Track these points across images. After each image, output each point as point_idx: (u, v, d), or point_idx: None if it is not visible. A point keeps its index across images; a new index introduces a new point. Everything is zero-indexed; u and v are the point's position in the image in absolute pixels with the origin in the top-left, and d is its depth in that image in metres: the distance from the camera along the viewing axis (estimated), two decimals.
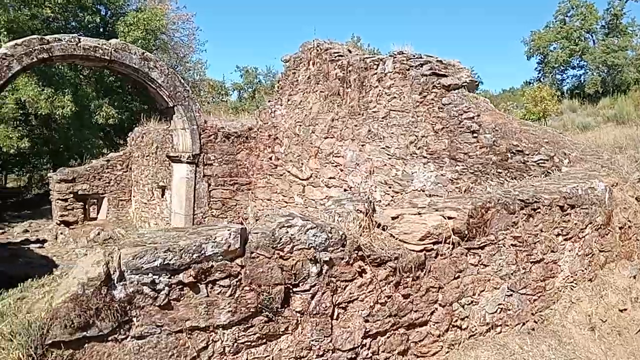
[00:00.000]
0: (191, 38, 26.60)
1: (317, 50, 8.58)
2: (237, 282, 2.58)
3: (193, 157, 9.63)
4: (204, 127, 9.76)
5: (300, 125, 8.81)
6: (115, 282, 2.27)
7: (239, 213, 10.41)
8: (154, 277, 2.31)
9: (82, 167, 15.07)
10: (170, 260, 2.34)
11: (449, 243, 3.25)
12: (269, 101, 9.93)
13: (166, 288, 2.35)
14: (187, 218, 9.81)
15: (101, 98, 20.14)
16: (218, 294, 2.52)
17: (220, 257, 2.48)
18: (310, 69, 8.68)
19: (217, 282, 2.53)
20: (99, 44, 8.42)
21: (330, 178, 8.10)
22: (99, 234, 14.36)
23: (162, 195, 13.31)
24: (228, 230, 2.53)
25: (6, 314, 2.37)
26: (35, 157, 22.95)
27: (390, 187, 7.10)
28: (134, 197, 15.44)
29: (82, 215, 15.02)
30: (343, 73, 7.93)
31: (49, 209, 16.05)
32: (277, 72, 34.59)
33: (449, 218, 3.27)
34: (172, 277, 2.37)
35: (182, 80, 9.57)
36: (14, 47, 7.64)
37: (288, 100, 9.21)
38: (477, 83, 6.63)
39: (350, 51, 8.38)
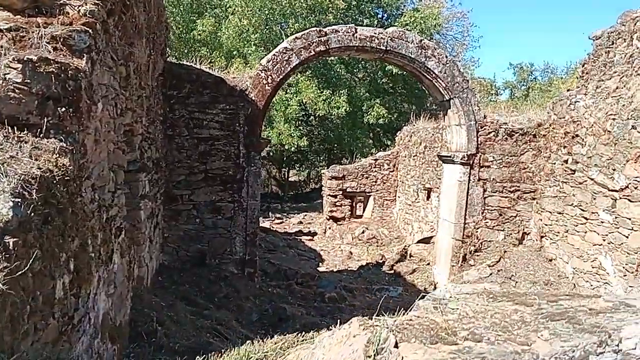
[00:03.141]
0: (465, 35, 25.36)
1: None
2: None
3: (468, 157, 8.40)
4: (482, 123, 8.43)
5: (613, 119, 6.72)
6: None
7: (519, 226, 8.75)
8: None
9: (352, 165, 15.35)
10: None
11: None
12: (568, 90, 8.00)
13: None
14: (456, 227, 8.63)
15: (373, 99, 20.56)
16: None
17: None
18: (635, 44, 6.52)
19: None
20: (375, 33, 7.92)
21: None
22: (363, 232, 14.40)
23: (428, 197, 12.48)
24: None
25: None
26: (313, 154, 24.99)
27: None
28: (398, 197, 15.07)
29: (349, 212, 15.32)
30: None
31: (321, 204, 16.94)
32: (556, 67, 30.63)
33: None
34: None
35: (462, 70, 8.43)
36: (294, 41, 7.67)
37: (596, 87, 7.18)
38: None
39: None
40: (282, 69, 7.73)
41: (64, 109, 3.05)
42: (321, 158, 26.06)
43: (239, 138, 7.78)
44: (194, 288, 7.05)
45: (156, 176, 7.01)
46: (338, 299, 8.10)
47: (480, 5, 53.21)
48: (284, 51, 7.72)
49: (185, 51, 17.60)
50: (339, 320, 3.04)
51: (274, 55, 7.75)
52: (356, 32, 7.85)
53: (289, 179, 29.20)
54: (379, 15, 21.87)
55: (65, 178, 2.85)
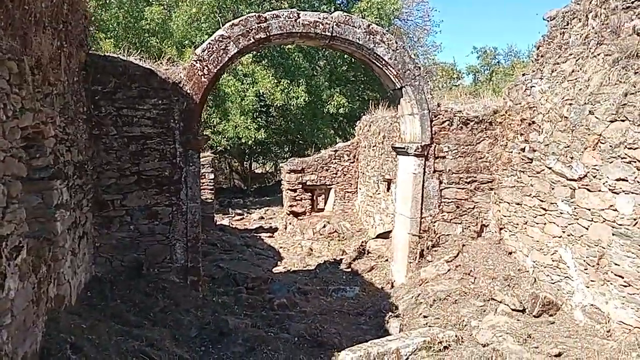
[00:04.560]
0: (425, 20, 25.02)
1: None
2: None
3: (422, 148, 7.95)
4: (436, 112, 7.97)
5: (570, 105, 6.34)
6: None
7: (477, 218, 8.37)
8: None
9: (311, 157, 14.82)
10: None
11: None
12: (523, 74, 7.60)
13: None
14: (412, 222, 8.19)
15: (333, 88, 20.03)
16: None
17: None
18: (590, 24, 6.13)
19: None
20: (319, 18, 7.34)
21: (618, 180, 5.52)
22: (324, 226, 13.91)
23: (388, 189, 12.06)
24: None
25: None
26: (275, 146, 24.34)
27: None
28: (359, 189, 14.62)
29: (310, 206, 14.82)
30: None
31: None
32: (519, 51, 30.63)
33: None
34: None
35: (413, 57, 7.94)
36: (231, 28, 7.03)
37: (552, 71, 6.78)
38: None
39: None
40: (219, 58, 7.09)
41: None
42: (286, 150, 25.44)
43: (175, 135, 7.14)
44: (127, 303, 6.41)
45: (80, 181, 6.31)
46: (288, 306, 7.58)
47: None
48: (221, 39, 7.08)
49: (135, 42, 16.64)
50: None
51: (210, 44, 7.11)
52: (299, 17, 7.26)
53: (255, 171, 28.50)
54: (338, 2, 21.27)
55: None
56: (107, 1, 15.31)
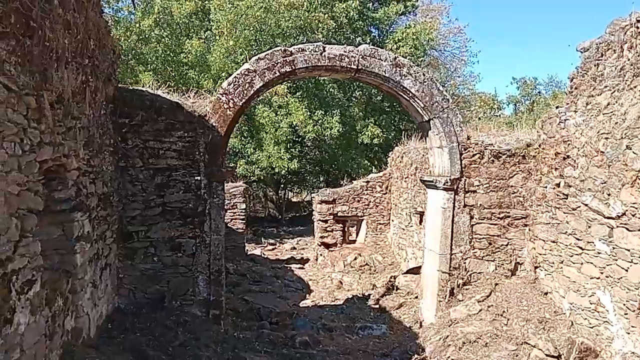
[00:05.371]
0: (462, 51, 24.83)
1: (638, 28, 5.72)
2: None
3: (451, 182, 7.69)
4: (466, 145, 7.73)
5: (606, 139, 6.01)
6: None
7: (511, 256, 7.98)
8: None
9: (342, 188, 14.69)
10: None
11: None
12: (557, 107, 7.30)
13: None
14: (442, 258, 7.88)
15: (367, 118, 19.97)
16: None
17: None
18: (625, 56, 5.83)
19: None
20: (345, 52, 7.31)
21: None
22: (355, 258, 13.64)
23: (420, 222, 11.75)
24: None
25: None
26: (311, 175, 24.35)
27: None
28: (392, 221, 14.33)
29: (341, 238, 14.60)
30: None
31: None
32: (561, 81, 29.90)
33: None
34: None
35: (441, 89, 7.78)
36: (257, 62, 7.08)
37: (587, 104, 6.48)
38: None
39: None
40: (245, 92, 7.13)
41: None
42: (321, 179, 25.42)
43: (200, 168, 7.17)
44: (147, 336, 6.35)
45: (104, 212, 6.38)
46: (311, 344, 7.35)
47: (478, 20, 52.89)
48: (247, 73, 7.14)
49: (174, 75, 17.13)
50: None
51: (236, 77, 7.18)
52: (324, 50, 7.25)
53: (291, 200, 28.53)
54: (372, 34, 21.38)
55: None
56: (147, 35, 15.85)
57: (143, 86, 8.65)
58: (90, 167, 5.83)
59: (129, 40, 15.03)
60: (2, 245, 3.38)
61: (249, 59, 7.37)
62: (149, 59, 15.78)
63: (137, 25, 15.76)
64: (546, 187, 7.45)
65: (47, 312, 4.41)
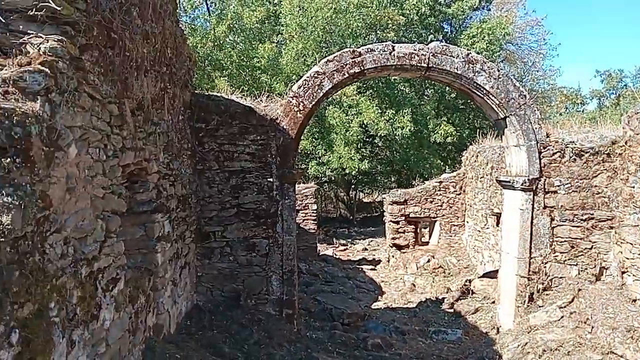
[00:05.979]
0: (541, 44, 23.63)
1: None
2: None
3: (530, 182, 7.34)
4: (545, 143, 7.35)
5: None
6: None
7: (595, 260, 7.49)
8: None
9: (414, 189, 14.45)
10: None
11: None
12: None
13: None
14: (520, 262, 7.54)
15: (440, 116, 19.51)
16: None
17: None
18: None
19: None
20: (415, 50, 7.18)
21: None
22: (428, 261, 13.39)
23: (497, 223, 11.31)
24: None
25: None
26: (382, 176, 24.15)
27: None
28: (467, 222, 13.91)
29: (413, 239, 14.36)
30: None
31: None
32: None
33: None
34: None
35: (517, 84, 7.44)
36: (326, 64, 7.13)
37: None
38: None
39: None
40: (314, 94, 7.20)
41: (8, 160, 2.67)
42: (392, 180, 25.16)
43: (272, 170, 7.33)
44: (223, 333, 6.58)
45: (183, 214, 6.68)
46: (383, 346, 7.28)
47: (557, 11, 50.07)
48: (316, 75, 7.21)
49: (247, 79, 17.62)
50: None
51: (305, 80, 7.26)
52: (393, 50, 7.17)
53: (363, 200, 28.47)
54: (445, 30, 20.88)
55: (10, 237, 2.49)
56: (222, 41, 16.41)
57: (219, 91, 8.99)
58: (170, 170, 6.11)
59: (205, 47, 15.63)
60: (89, 245, 3.61)
61: (319, 61, 7.44)
62: (224, 65, 16.32)
63: (212, 31, 16.37)
64: (634, 186, 6.92)
65: (130, 308, 4.65)
